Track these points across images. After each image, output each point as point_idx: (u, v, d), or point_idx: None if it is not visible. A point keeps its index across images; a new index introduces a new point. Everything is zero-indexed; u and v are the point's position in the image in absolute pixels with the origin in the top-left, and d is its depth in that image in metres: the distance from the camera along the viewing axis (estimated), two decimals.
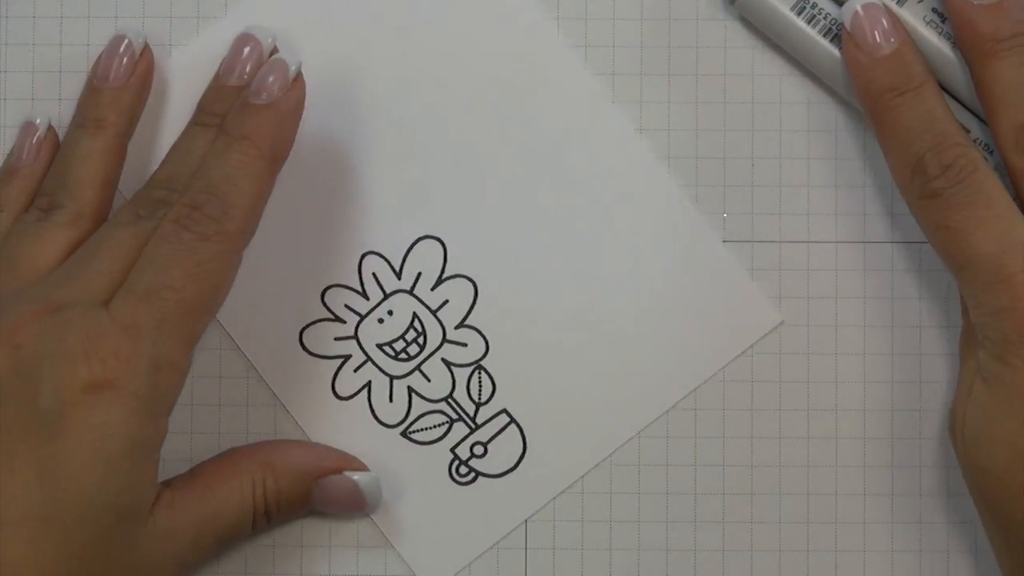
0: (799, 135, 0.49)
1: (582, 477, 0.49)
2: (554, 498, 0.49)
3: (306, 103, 0.47)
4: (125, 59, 0.48)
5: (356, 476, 0.48)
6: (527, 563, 0.49)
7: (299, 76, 0.46)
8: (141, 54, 0.49)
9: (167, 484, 0.46)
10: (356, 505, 0.48)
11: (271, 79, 0.46)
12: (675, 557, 0.49)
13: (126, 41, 0.49)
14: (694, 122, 0.49)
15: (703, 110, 0.49)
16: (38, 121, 0.49)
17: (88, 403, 0.43)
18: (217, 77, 0.48)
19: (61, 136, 0.49)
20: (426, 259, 0.49)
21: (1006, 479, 0.43)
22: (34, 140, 0.49)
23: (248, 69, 0.48)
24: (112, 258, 0.45)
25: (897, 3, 0.46)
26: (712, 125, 0.49)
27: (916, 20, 0.46)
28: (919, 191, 0.45)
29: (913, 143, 0.45)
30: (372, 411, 0.49)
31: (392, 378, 0.49)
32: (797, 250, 0.49)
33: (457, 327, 0.49)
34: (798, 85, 0.49)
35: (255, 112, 0.46)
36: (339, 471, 0.48)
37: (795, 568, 0.49)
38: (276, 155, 0.46)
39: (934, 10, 0.46)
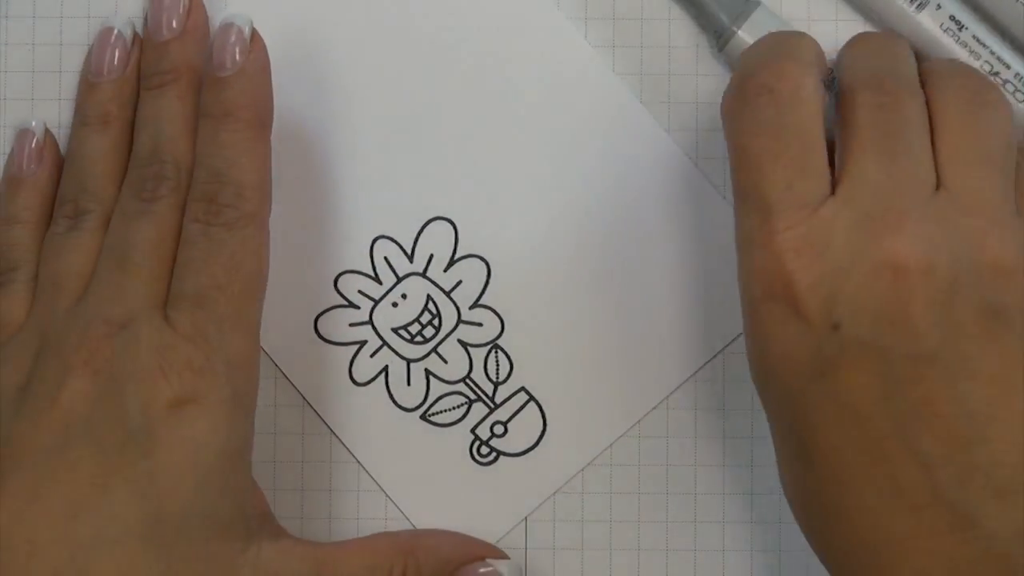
0: None
1: (582, 475, 0.49)
2: (554, 496, 0.49)
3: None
4: (117, 51, 0.48)
5: (499, 565, 0.47)
6: (527, 563, 0.49)
7: (255, 34, 0.46)
8: (133, 43, 0.48)
9: (293, 537, 0.46)
10: None
11: (231, 44, 0.46)
12: (675, 557, 0.49)
13: (116, 32, 0.48)
14: (694, 122, 0.49)
15: (703, 110, 0.49)
16: (33, 124, 0.48)
17: (175, 418, 0.43)
18: (148, 38, 0.48)
19: (57, 136, 0.49)
20: (437, 241, 0.49)
21: None
22: (33, 145, 0.48)
23: (176, 17, 0.47)
24: (147, 258, 0.45)
25: (916, 9, 0.47)
26: (712, 125, 0.49)
27: (934, 26, 0.47)
28: (735, 87, 0.42)
29: (759, 51, 0.43)
30: (390, 395, 0.49)
31: (409, 361, 0.49)
32: None
33: (471, 307, 0.49)
34: None
35: (227, 85, 0.45)
36: (480, 558, 0.47)
37: (795, 568, 0.49)
38: (262, 120, 0.46)
39: (952, 17, 0.47)
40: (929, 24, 0.47)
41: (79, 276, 0.46)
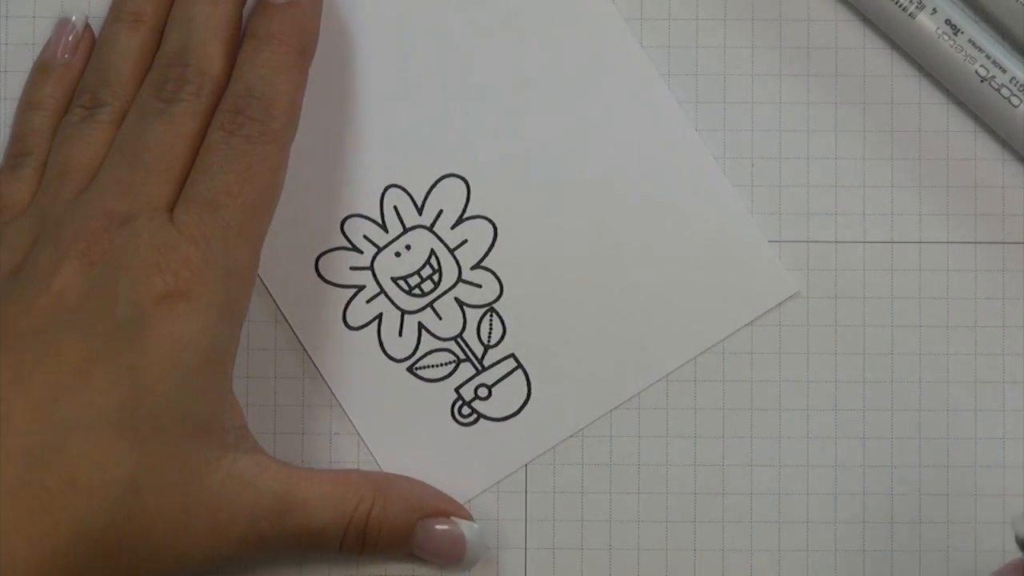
0: (799, 135, 0.50)
1: (583, 474, 0.49)
2: (554, 496, 0.49)
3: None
4: None
5: (463, 525, 0.47)
6: (527, 563, 0.49)
7: None
8: None
9: (269, 455, 0.46)
10: (456, 554, 0.47)
11: None
12: (675, 557, 0.49)
13: None
14: (694, 122, 0.50)
15: (703, 110, 0.50)
16: (74, 18, 0.49)
17: (163, 314, 0.43)
18: None
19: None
20: (449, 197, 0.49)
21: None
22: (71, 37, 0.48)
23: None
24: (160, 158, 0.45)
25: (910, 15, 0.48)
26: (713, 125, 0.50)
27: (929, 33, 0.48)
28: None
29: None
30: (381, 343, 0.49)
31: (404, 312, 0.49)
32: (797, 250, 0.50)
33: (473, 268, 0.49)
34: (799, 85, 0.50)
35: (279, 11, 0.46)
36: (446, 514, 0.47)
37: (795, 568, 0.49)
38: (304, 49, 0.47)
39: (947, 21, 0.48)
40: (925, 28, 0.48)
41: (86, 167, 0.46)
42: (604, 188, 0.49)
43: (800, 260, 0.49)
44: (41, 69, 0.49)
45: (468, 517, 0.48)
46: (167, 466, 0.43)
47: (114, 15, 0.48)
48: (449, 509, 0.47)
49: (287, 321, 0.49)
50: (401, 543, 0.46)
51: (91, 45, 0.49)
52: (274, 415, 0.49)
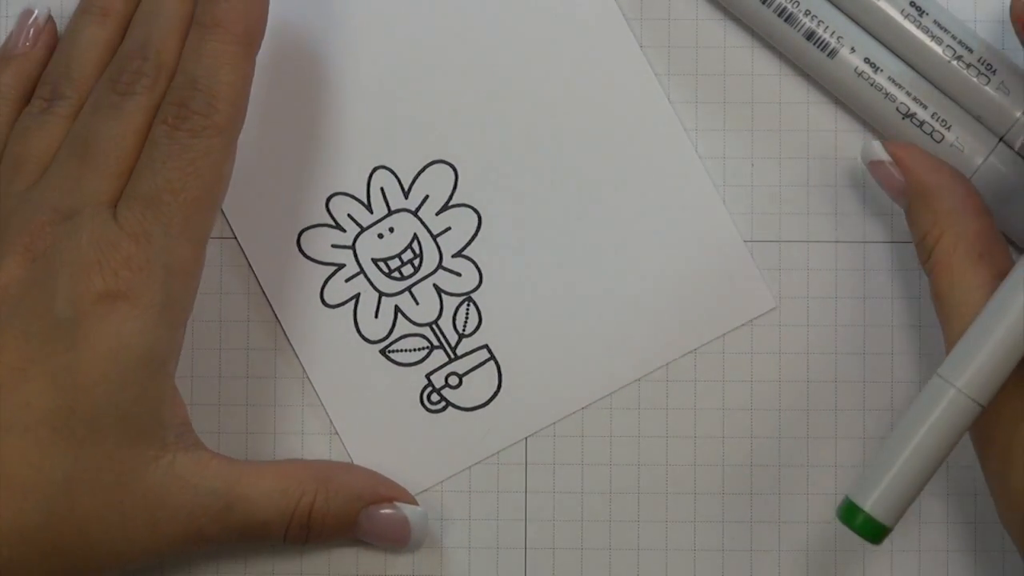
0: (799, 135, 0.49)
1: (582, 474, 0.49)
2: (554, 496, 0.49)
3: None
4: None
5: (406, 509, 0.47)
6: (527, 563, 0.49)
7: None
8: None
9: (210, 451, 0.45)
10: (400, 539, 0.47)
11: None
12: (675, 557, 0.49)
13: None
14: (694, 122, 0.50)
15: (703, 110, 0.50)
16: (37, 10, 0.48)
17: (102, 314, 0.43)
18: None
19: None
20: (436, 183, 0.49)
21: None
22: (31, 27, 0.48)
23: None
24: (109, 153, 0.45)
25: (829, 54, 0.48)
26: (712, 125, 0.50)
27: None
28: None
29: None
30: (356, 323, 0.49)
31: (381, 294, 0.49)
32: (797, 250, 0.49)
33: (454, 255, 0.49)
34: (798, 85, 0.50)
35: None
36: (390, 500, 0.47)
37: (795, 568, 0.48)
38: (251, 38, 0.45)
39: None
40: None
41: (39, 160, 0.46)
42: (592, 188, 0.49)
43: (800, 260, 0.49)
44: (2, 58, 0.48)
45: (412, 502, 0.48)
46: (103, 466, 0.43)
47: (83, 7, 0.47)
48: (392, 495, 0.47)
49: (264, 293, 0.49)
50: (345, 531, 0.46)
51: (53, 37, 0.48)
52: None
